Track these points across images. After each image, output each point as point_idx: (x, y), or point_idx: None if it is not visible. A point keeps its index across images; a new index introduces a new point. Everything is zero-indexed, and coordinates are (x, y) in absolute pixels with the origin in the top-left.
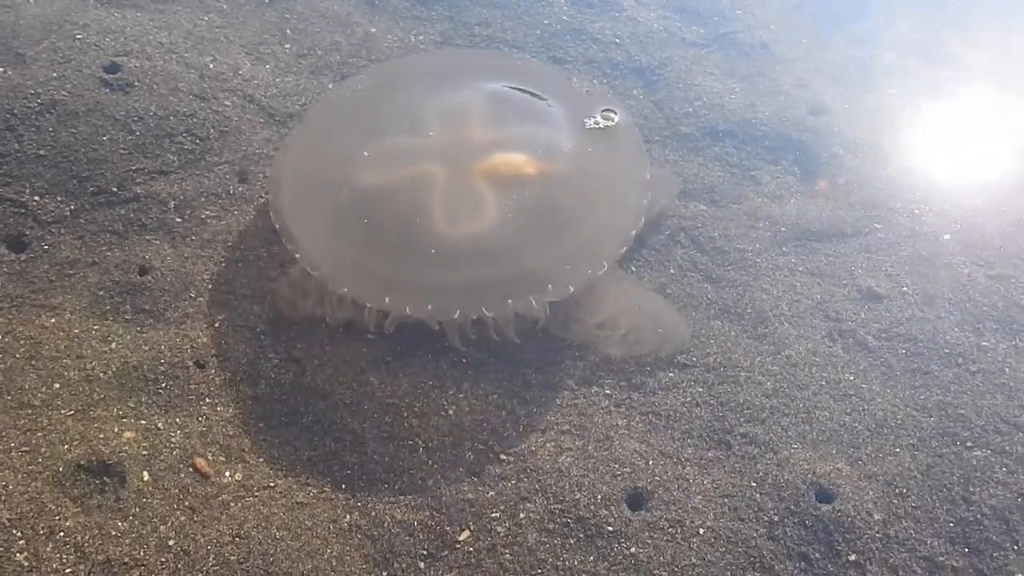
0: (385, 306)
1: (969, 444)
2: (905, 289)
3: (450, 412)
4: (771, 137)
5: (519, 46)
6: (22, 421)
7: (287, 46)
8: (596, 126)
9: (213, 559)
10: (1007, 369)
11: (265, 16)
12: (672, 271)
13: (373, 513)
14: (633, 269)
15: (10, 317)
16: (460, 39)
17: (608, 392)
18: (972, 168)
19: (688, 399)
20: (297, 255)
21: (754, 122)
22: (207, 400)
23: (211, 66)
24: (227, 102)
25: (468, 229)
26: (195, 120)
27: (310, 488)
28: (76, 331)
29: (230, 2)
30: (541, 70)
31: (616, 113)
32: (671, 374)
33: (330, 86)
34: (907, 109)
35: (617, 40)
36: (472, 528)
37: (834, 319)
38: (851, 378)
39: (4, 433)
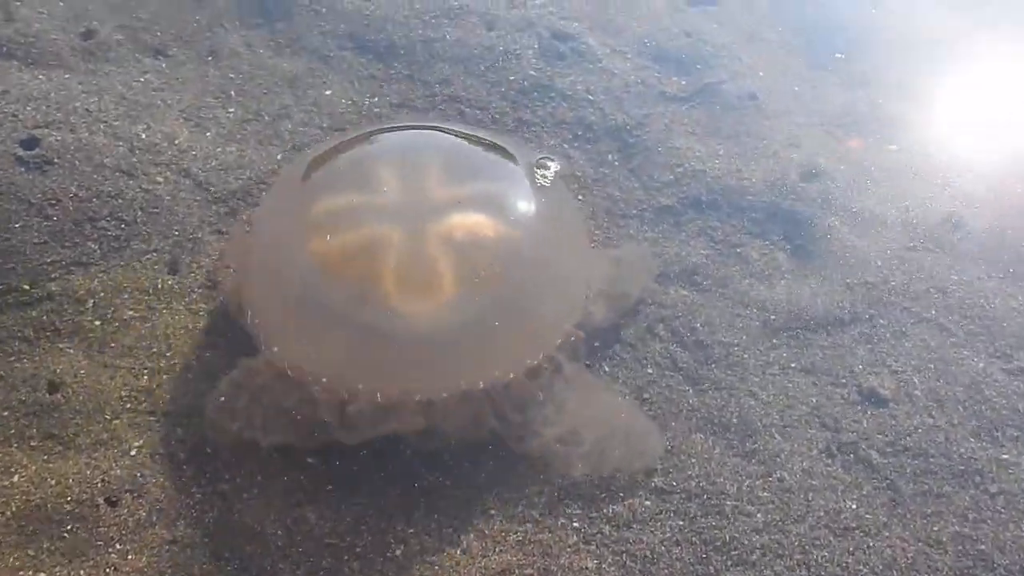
0: (346, 389)
1: None
2: (913, 390)
3: (398, 553)
4: (758, 208)
5: (482, 106)
6: None
7: (231, 110)
8: (544, 180)
9: None
10: None
11: (208, 76)
12: (650, 370)
13: None
14: (607, 368)
15: None
16: (420, 100)
17: (576, 525)
18: (985, 241)
19: (667, 535)
20: (258, 337)
21: (740, 190)
22: (117, 546)
23: (143, 136)
24: (159, 178)
25: (422, 303)
26: (121, 201)
27: None
28: None
29: (170, 60)
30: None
31: (553, 160)
32: (647, 502)
33: (278, 156)
34: (912, 168)
35: (590, 96)
36: None
37: (832, 428)
38: (853, 506)
39: None
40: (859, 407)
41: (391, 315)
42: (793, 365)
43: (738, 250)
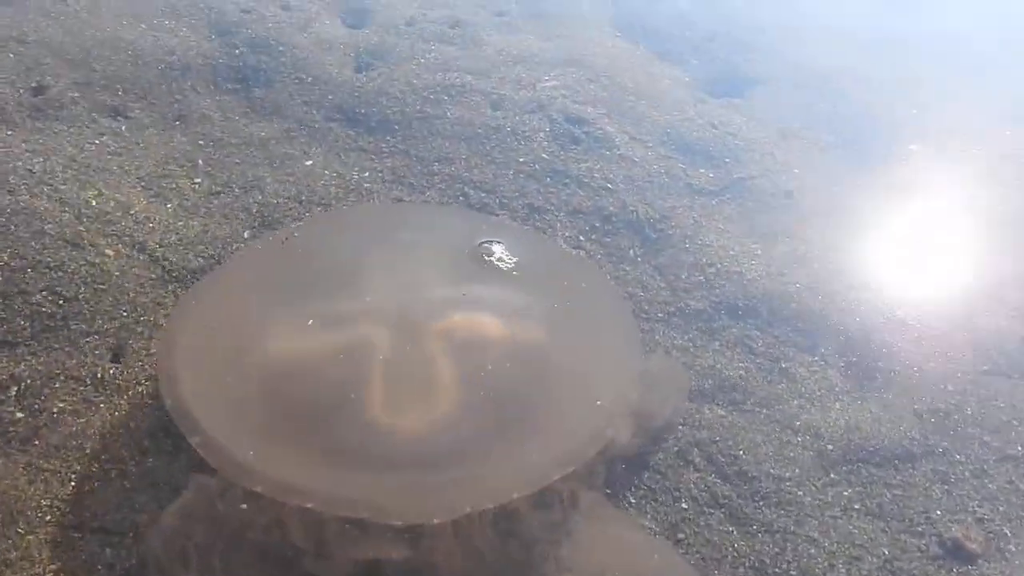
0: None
1: None
2: (1006, 544)
3: None
4: (804, 317)
5: (488, 189)
6: None
7: (196, 180)
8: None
9: None
10: None
11: (173, 140)
12: (684, 505)
13: None
14: (632, 500)
15: None
16: (415, 177)
17: None
18: None
19: None
20: (195, 441)
21: (783, 296)
22: None
23: (94, 203)
24: (108, 251)
25: (413, 418)
26: (62, 274)
27: None
28: None
29: (131, 122)
30: (517, 228)
31: (499, 244)
32: None
33: (245, 234)
34: (971, 275)
35: (609, 185)
36: None
37: None
38: None
39: None
40: (941, 564)
41: (374, 427)
42: (857, 507)
43: (783, 365)
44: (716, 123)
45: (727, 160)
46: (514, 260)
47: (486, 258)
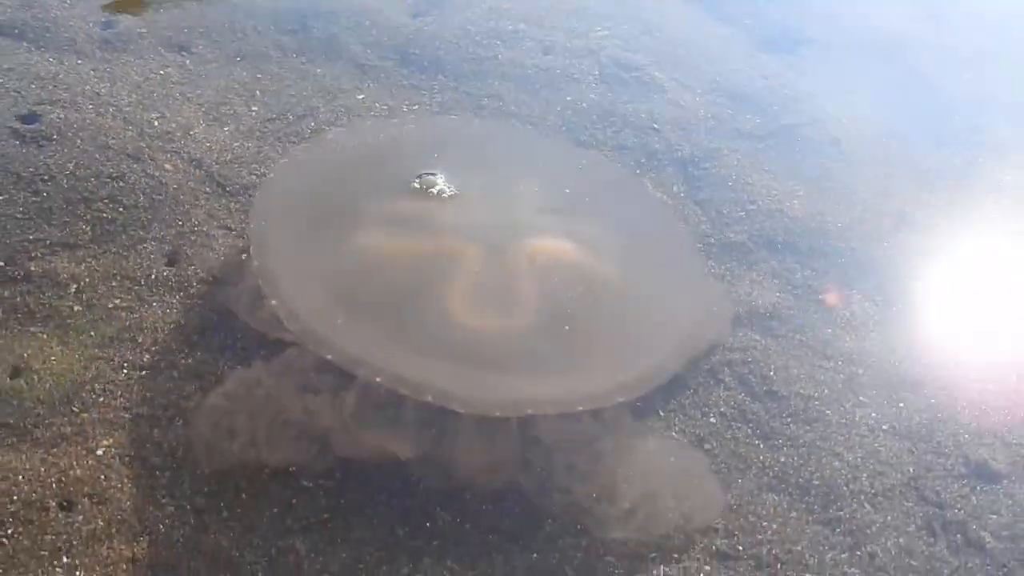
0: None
1: None
2: None
3: None
4: (846, 254)
5: (535, 123)
6: None
7: (254, 109)
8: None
9: None
10: None
11: (233, 74)
12: (713, 420)
13: None
14: (660, 413)
15: None
16: (462, 111)
17: None
18: None
19: None
20: (273, 302)
21: (824, 234)
22: (65, 559)
23: (156, 123)
24: (167, 165)
25: (492, 322)
26: (122, 184)
27: None
28: None
29: (195, 56)
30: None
31: (436, 176)
32: (707, 567)
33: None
34: (1010, 230)
35: (655, 126)
36: None
37: (935, 503)
38: None
39: None
40: (967, 482)
41: (450, 320)
42: (885, 427)
43: (820, 297)
44: (767, 75)
45: (775, 108)
46: (454, 190)
47: (428, 189)
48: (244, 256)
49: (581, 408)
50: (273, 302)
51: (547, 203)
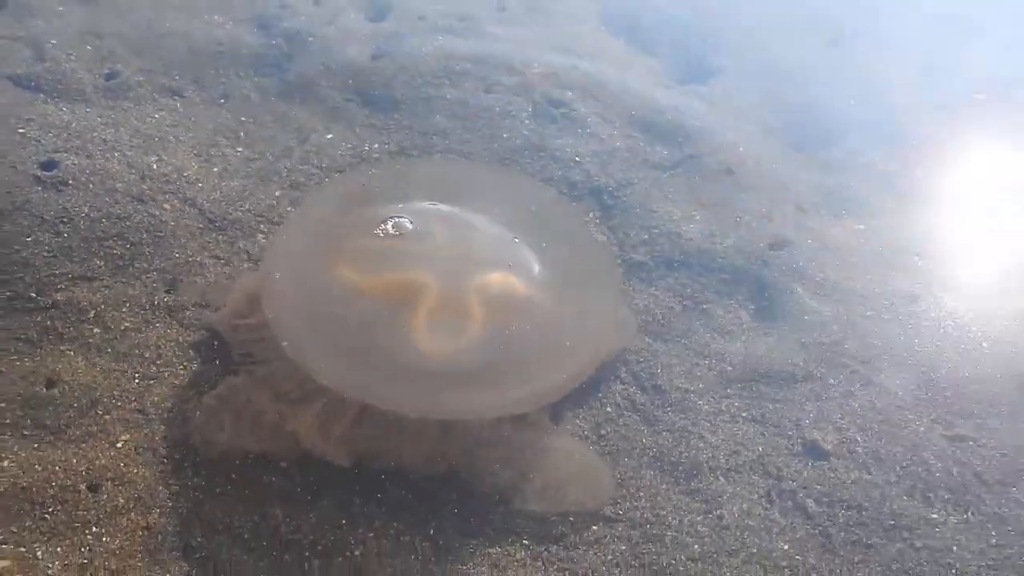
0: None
1: None
2: (855, 447)
3: (356, 553)
4: (728, 270)
5: (475, 158)
6: None
7: (239, 149)
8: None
9: None
10: (955, 547)
11: (220, 117)
12: (609, 409)
13: None
14: (568, 404)
15: None
16: (416, 149)
17: (526, 542)
18: (938, 315)
19: (609, 557)
20: (285, 345)
21: (712, 253)
22: (94, 528)
23: (155, 166)
24: (166, 205)
25: (446, 347)
26: (129, 223)
27: None
28: None
29: (185, 101)
30: (554, 200)
31: (409, 224)
32: (595, 527)
33: (277, 192)
34: (873, 246)
35: (577, 158)
36: None
37: (774, 476)
38: (785, 547)
39: None
40: (802, 459)
41: (413, 347)
42: (744, 415)
43: (704, 307)
44: (677, 107)
45: (680, 140)
46: (417, 227)
47: (395, 230)
48: (228, 281)
49: (510, 413)
50: (284, 343)
51: (495, 236)
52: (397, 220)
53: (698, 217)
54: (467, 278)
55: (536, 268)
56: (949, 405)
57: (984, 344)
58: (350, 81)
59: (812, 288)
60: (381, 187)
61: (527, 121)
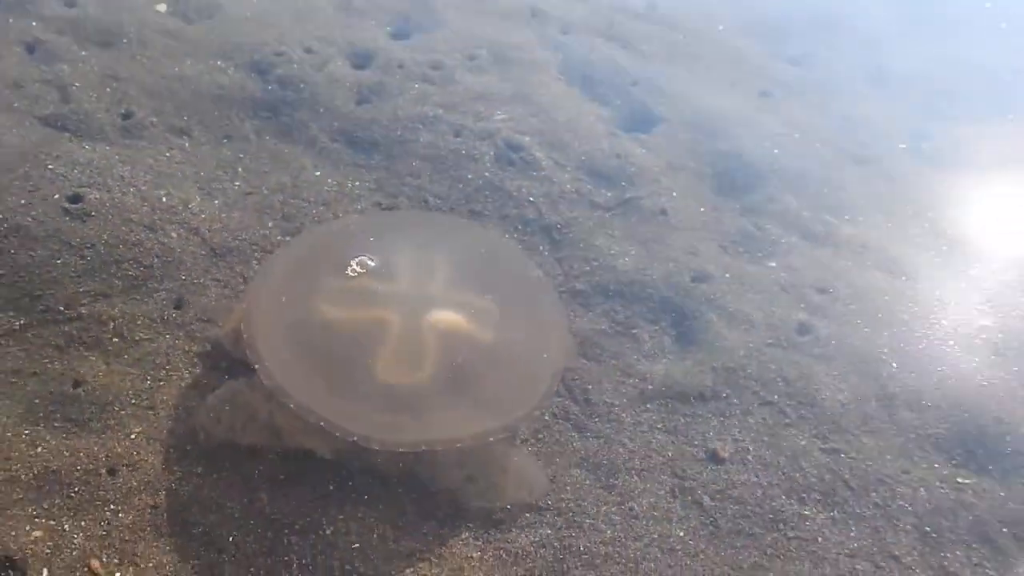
0: (344, 431)
1: None
2: (747, 455)
3: (328, 531)
4: (655, 299)
5: (443, 197)
6: None
7: (237, 183)
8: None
9: None
10: (820, 539)
11: (222, 154)
12: (547, 418)
13: None
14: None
15: None
16: (392, 187)
17: (470, 525)
18: (825, 347)
19: (536, 539)
20: (256, 366)
21: (642, 284)
22: (111, 506)
23: (164, 199)
24: (173, 234)
25: (406, 377)
26: (141, 249)
27: None
28: (9, 435)
29: (192, 139)
30: (502, 243)
31: (371, 262)
32: (528, 515)
33: (270, 224)
34: (781, 281)
35: (531, 199)
36: None
37: (679, 477)
38: (681, 534)
39: None
40: (703, 463)
41: (375, 378)
42: (659, 426)
43: (633, 331)
44: (621, 153)
45: (623, 183)
46: (384, 269)
47: (358, 268)
48: (227, 301)
49: (465, 442)
50: (256, 366)
51: (449, 278)
52: (361, 259)
53: (632, 252)
54: (423, 315)
55: (487, 306)
56: (827, 422)
57: (853, 377)
58: (336, 124)
59: (725, 318)
60: (354, 233)
61: (489, 164)
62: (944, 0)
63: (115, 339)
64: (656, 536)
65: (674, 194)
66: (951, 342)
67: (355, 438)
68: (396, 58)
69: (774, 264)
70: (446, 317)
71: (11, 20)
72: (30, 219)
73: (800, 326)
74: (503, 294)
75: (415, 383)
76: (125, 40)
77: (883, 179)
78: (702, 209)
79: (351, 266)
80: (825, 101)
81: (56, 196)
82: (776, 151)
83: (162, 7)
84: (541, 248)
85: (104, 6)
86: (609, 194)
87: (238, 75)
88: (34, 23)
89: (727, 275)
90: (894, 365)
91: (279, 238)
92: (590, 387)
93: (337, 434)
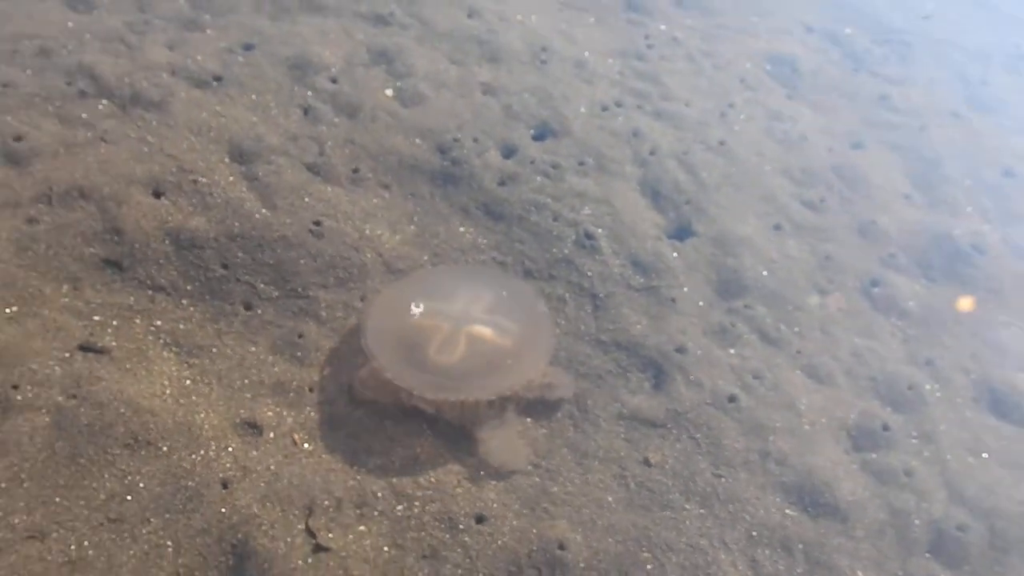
0: (407, 386)
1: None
2: (666, 465)
3: (418, 451)
4: (648, 357)
5: (534, 260)
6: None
7: (411, 227)
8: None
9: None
10: (687, 523)
11: (407, 206)
12: (559, 415)
13: (360, 477)
14: (533, 415)
15: (226, 342)
16: (505, 247)
17: (483, 473)
18: (743, 415)
19: (528, 483)
20: (370, 354)
21: (641, 346)
22: (307, 408)
23: (367, 232)
24: (368, 255)
25: (446, 360)
26: (349, 262)
27: (337, 454)
28: (260, 359)
29: (391, 192)
30: (527, 290)
31: (420, 306)
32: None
33: (425, 257)
34: (733, 364)
35: (589, 273)
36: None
37: (622, 467)
38: (610, 499)
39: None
40: (639, 464)
41: (430, 358)
42: (622, 436)
43: (627, 374)
44: (658, 253)
45: (652, 274)
46: (437, 303)
47: (416, 311)
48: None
49: (500, 393)
50: (374, 361)
51: (488, 307)
52: (416, 304)
53: (644, 323)
54: (463, 326)
55: (507, 324)
56: (722, 458)
57: (750, 436)
58: (481, 198)
59: (685, 382)
60: (440, 275)
61: (570, 244)
62: (948, 182)
63: (324, 314)
64: (596, 496)
65: (684, 289)
66: (823, 433)
67: (414, 390)
68: (530, 155)
69: (732, 351)
70: (478, 329)
71: (296, 88)
72: (290, 232)
73: (730, 397)
74: (519, 319)
75: (449, 364)
76: (362, 114)
77: (835, 308)
78: (700, 304)
79: (414, 303)
80: (818, 242)
81: (306, 219)
82: (765, 273)
83: (389, 92)
84: (586, 307)
85: (354, 86)
86: (641, 280)
87: (427, 151)
88: (309, 92)
89: (699, 352)
90: (777, 434)
91: (428, 266)
92: (589, 401)
93: (402, 387)
